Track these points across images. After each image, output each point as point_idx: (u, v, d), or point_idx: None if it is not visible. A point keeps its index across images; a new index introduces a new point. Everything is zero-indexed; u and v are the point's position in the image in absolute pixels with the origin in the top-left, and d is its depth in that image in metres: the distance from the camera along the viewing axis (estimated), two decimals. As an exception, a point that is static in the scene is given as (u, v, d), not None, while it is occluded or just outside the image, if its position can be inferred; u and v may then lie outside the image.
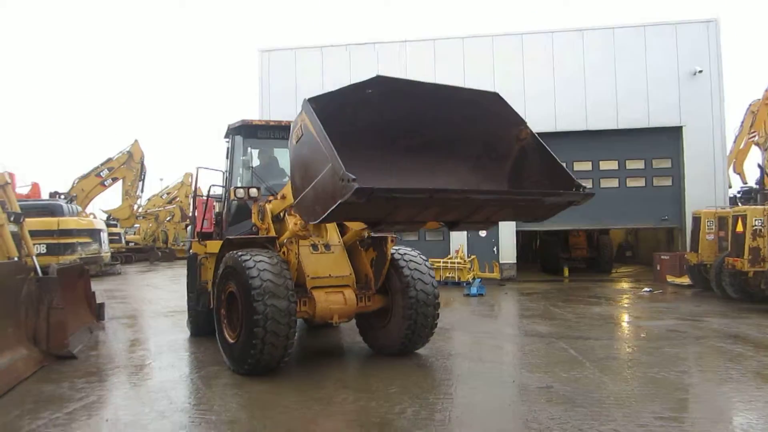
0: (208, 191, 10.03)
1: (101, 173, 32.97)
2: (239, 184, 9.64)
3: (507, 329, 11.34)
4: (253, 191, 8.60)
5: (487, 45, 21.75)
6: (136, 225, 41.87)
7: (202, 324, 10.30)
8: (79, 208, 27.19)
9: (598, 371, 7.65)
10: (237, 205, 9.48)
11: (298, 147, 5.97)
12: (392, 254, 8.54)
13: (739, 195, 23.65)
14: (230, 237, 8.48)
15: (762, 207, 13.70)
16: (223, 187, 9.84)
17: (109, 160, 33.43)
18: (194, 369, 8.09)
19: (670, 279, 18.90)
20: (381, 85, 5.89)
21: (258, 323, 7.11)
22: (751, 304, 13.94)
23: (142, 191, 36.29)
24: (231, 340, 7.82)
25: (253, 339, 7.16)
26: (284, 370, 7.69)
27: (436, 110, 6.36)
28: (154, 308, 14.98)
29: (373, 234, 8.65)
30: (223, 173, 10.37)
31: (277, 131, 9.75)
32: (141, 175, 34.75)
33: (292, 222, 8.13)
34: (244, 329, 7.38)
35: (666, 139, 21.16)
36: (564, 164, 6.23)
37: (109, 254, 26.56)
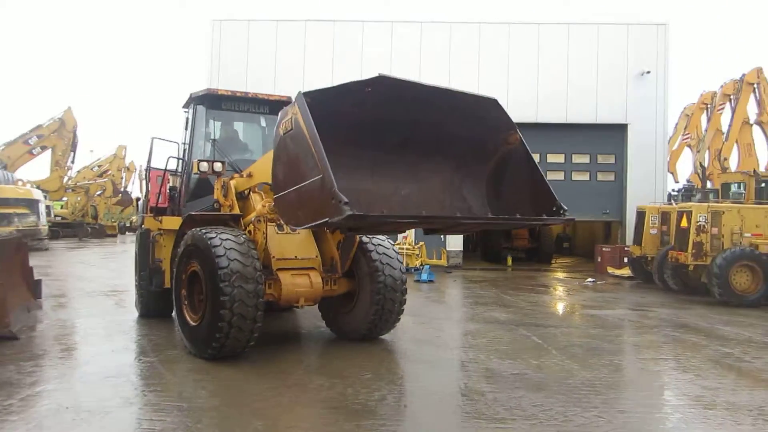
0: (166, 164, 9.47)
1: (29, 140, 31.04)
2: (200, 158, 9.14)
3: (465, 316, 11.34)
4: (218, 165, 8.17)
5: (445, 32, 21.67)
6: (63, 198, 39.77)
7: (154, 304, 9.79)
8: (15, 176, 25.49)
9: (566, 358, 7.71)
10: (197, 179, 9.00)
11: (285, 139, 5.69)
12: (360, 238, 8.31)
13: (674, 192, 24.66)
14: (193, 213, 8.02)
15: (706, 204, 14.27)
16: (182, 159, 9.31)
17: (39, 126, 31.51)
18: (151, 352, 7.61)
19: (610, 270, 19.52)
20: (382, 85, 5.66)
21: (224, 305, 6.74)
22: (690, 296, 14.55)
23: (73, 162, 34.47)
24: (192, 323, 7.40)
25: (219, 322, 6.79)
26: (248, 355, 7.35)
27: (431, 111, 6.27)
28: (93, 287, 14.18)
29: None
30: (181, 145, 9.83)
31: (243, 103, 9.31)
32: (73, 145, 32.95)
33: (260, 202, 7.80)
34: (208, 311, 6.99)
35: (611, 136, 21.78)
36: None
37: (47, 227, 25.00)
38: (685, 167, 33.71)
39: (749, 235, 13.47)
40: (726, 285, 12.86)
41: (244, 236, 7.32)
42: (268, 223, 7.85)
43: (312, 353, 7.99)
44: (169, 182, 10.11)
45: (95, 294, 13.05)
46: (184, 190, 9.14)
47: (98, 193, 43.96)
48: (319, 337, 8.84)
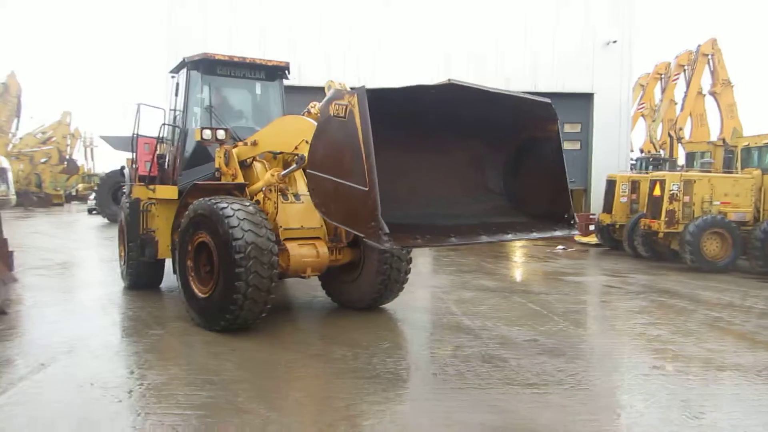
0: (159, 131, 9.11)
1: (-29, 106, 29.29)
2: (194, 125, 8.83)
3: (455, 284, 11.43)
4: (221, 133, 7.90)
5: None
6: (7, 166, 37.84)
7: (144, 276, 9.52)
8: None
9: (570, 325, 7.92)
10: (194, 147, 8.69)
11: (333, 121, 5.46)
12: None
13: (633, 161, 25.37)
14: (198, 182, 7.77)
15: (679, 173, 14.75)
16: (177, 127, 8.95)
17: (-20, 92, 29.74)
18: (156, 325, 7.39)
19: (578, 238, 20.01)
20: (450, 92, 5.49)
21: (240, 277, 6.59)
22: (660, 262, 15.10)
23: (17, 129, 32.76)
24: (201, 295, 7.22)
25: (234, 294, 6.64)
26: (258, 326, 7.25)
27: (484, 114, 6.03)
28: (63, 258, 13.65)
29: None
30: (170, 112, 9.46)
31: (239, 69, 8.99)
32: (17, 111, 31.27)
33: (268, 172, 7.60)
34: (221, 283, 6.82)
35: (578, 105, 22.09)
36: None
37: (15, 197, 23.73)
38: (639, 137, 34.59)
39: (718, 203, 14.01)
40: (698, 251, 13.40)
41: (254, 206, 7.14)
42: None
43: (322, 323, 7.93)
44: (156, 150, 9.78)
45: (70, 266, 12.59)
46: (179, 159, 8.81)
47: (43, 161, 42.05)
48: (321, 307, 8.78)
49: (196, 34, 19.76)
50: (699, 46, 27.67)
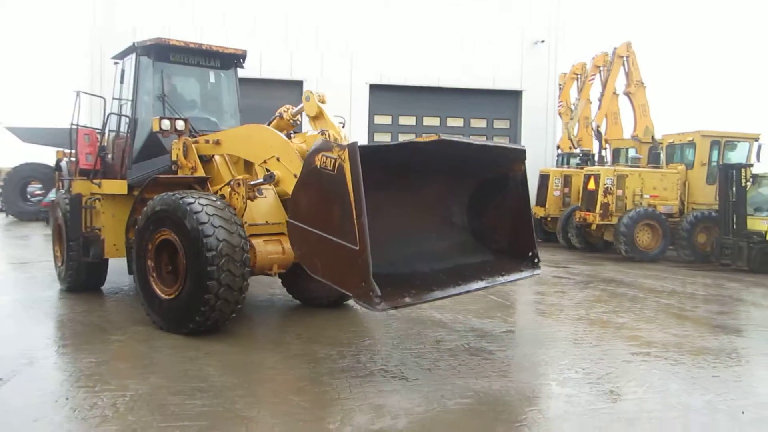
0: (106, 121, 8.45)
1: None
2: (144, 115, 8.23)
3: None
4: (180, 124, 7.43)
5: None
6: None
7: (85, 277, 8.83)
8: None
9: (537, 315, 8.07)
10: (145, 139, 8.11)
11: (319, 173, 5.29)
12: None
13: (557, 156, 26.30)
14: (158, 176, 7.25)
15: (613, 168, 15.41)
16: (125, 117, 8.31)
17: None
18: (115, 330, 6.83)
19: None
20: (439, 145, 5.44)
21: (212, 276, 6.20)
22: (593, 253, 15.77)
23: None
24: (165, 296, 6.73)
25: (205, 294, 6.24)
26: (227, 327, 6.88)
27: (472, 165, 6.28)
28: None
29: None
30: (114, 101, 8.80)
31: (194, 56, 8.46)
32: None
33: (225, 166, 7.24)
34: (190, 284, 6.39)
35: (507, 102, 22.66)
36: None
37: None
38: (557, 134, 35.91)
39: (648, 196, 14.77)
40: (632, 242, 14.07)
41: (221, 201, 6.75)
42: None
43: (292, 321, 7.60)
44: (98, 142, 9.11)
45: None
46: (128, 151, 8.19)
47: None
48: (283, 305, 8.47)
49: (123, 23, 18.68)
50: (615, 48, 28.99)
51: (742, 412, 4.72)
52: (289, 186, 6.40)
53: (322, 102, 7.04)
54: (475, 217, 6.83)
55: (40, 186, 26.82)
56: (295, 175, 6.15)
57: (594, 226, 15.24)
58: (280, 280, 8.46)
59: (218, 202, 6.64)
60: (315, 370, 5.53)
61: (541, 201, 17.95)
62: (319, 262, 5.35)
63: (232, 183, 6.98)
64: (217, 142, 7.40)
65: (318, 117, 7.06)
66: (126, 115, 8.27)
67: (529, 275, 6.50)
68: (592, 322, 7.76)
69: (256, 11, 20.27)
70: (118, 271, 10.42)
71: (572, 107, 33.12)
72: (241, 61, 8.92)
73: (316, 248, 5.34)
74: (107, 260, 8.77)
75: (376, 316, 7.83)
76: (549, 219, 17.86)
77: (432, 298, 5.57)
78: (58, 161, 10.31)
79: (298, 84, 20.96)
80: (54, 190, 22.54)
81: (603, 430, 4.33)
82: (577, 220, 15.43)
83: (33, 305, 8.23)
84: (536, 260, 6.53)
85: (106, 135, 9.07)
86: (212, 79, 8.95)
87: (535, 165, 21.52)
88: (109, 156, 8.81)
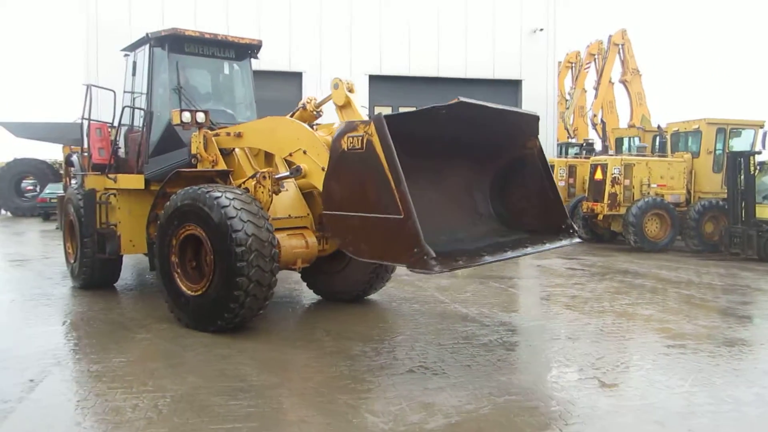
0: (121, 114, 8.25)
1: None
2: (159, 108, 8.04)
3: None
4: (200, 116, 7.24)
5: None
6: None
7: (100, 274, 8.67)
8: None
9: (562, 307, 7.98)
10: (162, 132, 7.92)
11: (348, 156, 5.30)
12: None
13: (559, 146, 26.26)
14: (181, 170, 7.08)
15: (620, 157, 15.35)
16: (140, 109, 8.11)
17: None
18: (139, 329, 6.68)
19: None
20: (459, 109, 5.36)
21: (242, 272, 6.06)
22: (601, 243, 15.74)
23: None
24: (191, 293, 6.58)
25: (235, 291, 6.10)
26: (254, 324, 6.77)
27: (486, 131, 6.12)
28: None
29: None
30: (127, 94, 8.60)
31: (209, 46, 8.27)
32: None
33: (246, 159, 7.08)
34: (218, 280, 6.25)
35: (507, 92, 22.59)
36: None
37: None
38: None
39: (655, 186, 14.73)
40: (641, 232, 14.03)
41: (248, 194, 6.60)
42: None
43: (318, 317, 7.46)
44: (110, 135, 8.92)
45: (4, 264, 11.30)
46: (145, 145, 8.00)
47: None
48: (305, 300, 8.35)
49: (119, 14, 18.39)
50: (610, 36, 29.04)
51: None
52: (316, 179, 6.28)
53: (351, 91, 6.91)
54: (500, 205, 6.74)
55: (33, 181, 26.46)
56: (323, 168, 6.04)
57: (601, 217, 15.20)
58: (299, 275, 8.33)
59: (245, 196, 6.49)
60: (354, 368, 5.42)
61: (546, 191, 17.86)
62: (365, 244, 5.24)
63: (257, 176, 6.81)
64: (239, 135, 7.24)
65: (345, 106, 6.93)
66: (141, 108, 8.07)
67: (570, 243, 6.35)
68: (618, 314, 7.69)
69: (258, 1, 20.05)
70: (129, 268, 10.28)
71: (567, 97, 33.12)
72: (256, 51, 8.73)
73: (359, 232, 5.24)
74: (122, 256, 8.60)
75: (401, 311, 7.74)
76: (553, 209, 17.77)
77: (485, 262, 5.48)
78: (68, 156, 10.07)
79: (297, 75, 20.78)
80: (54, 186, 22.23)
81: (662, 425, 4.26)
82: (585, 210, 15.37)
83: (48, 302, 8.06)
84: (572, 230, 6.36)
85: (118, 129, 8.88)
86: (226, 71, 8.77)
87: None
88: (122, 150, 8.62)
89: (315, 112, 7.48)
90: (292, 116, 7.42)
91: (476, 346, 6.15)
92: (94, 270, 8.56)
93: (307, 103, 7.46)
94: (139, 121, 8.24)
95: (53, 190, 21.76)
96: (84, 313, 7.43)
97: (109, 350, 5.88)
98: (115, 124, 9.03)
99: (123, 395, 4.65)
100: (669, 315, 7.69)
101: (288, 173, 6.75)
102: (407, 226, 4.78)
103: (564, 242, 6.34)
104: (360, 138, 5.14)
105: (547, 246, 6.20)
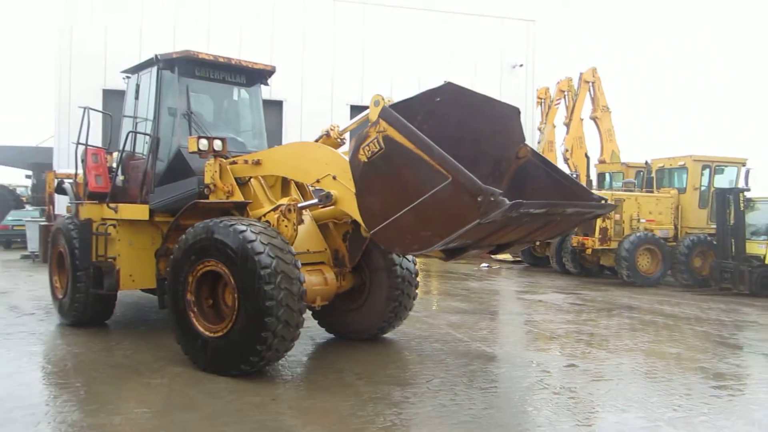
0: (125, 141, 7.73)
1: None
2: (166, 134, 7.57)
3: (427, 307, 10.90)
4: (218, 143, 6.80)
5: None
6: None
7: (92, 310, 8.03)
8: None
9: (586, 346, 7.74)
10: (170, 160, 7.44)
11: (371, 165, 5.05)
12: None
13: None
14: (199, 201, 6.60)
15: (610, 192, 15.43)
16: (147, 135, 7.61)
17: None
18: (150, 373, 6.10)
19: (493, 255, 20.35)
20: (448, 93, 5.44)
21: (270, 312, 5.61)
22: (589, 278, 15.71)
23: None
24: (210, 334, 6.06)
25: (263, 331, 5.63)
26: (273, 366, 6.30)
27: (474, 122, 5.97)
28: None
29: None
30: (128, 119, 8.10)
31: (220, 71, 7.86)
32: None
33: (285, 201, 6.63)
34: (243, 320, 5.76)
35: (487, 125, 22.69)
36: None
37: None
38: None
39: (644, 221, 14.83)
40: (633, 267, 14.03)
41: (272, 228, 6.18)
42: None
43: (341, 358, 6.93)
44: (107, 162, 8.37)
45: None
46: (151, 173, 7.49)
47: None
48: (317, 338, 7.85)
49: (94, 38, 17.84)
50: (581, 73, 29.58)
51: None
52: (348, 205, 5.98)
53: None
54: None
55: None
56: (355, 193, 5.72)
57: (589, 251, 15.19)
58: (310, 313, 7.86)
59: (270, 230, 6.08)
60: (403, 417, 5.02)
61: (531, 225, 17.81)
62: (426, 231, 4.83)
63: (282, 208, 6.38)
64: (258, 163, 6.83)
65: None
66: (147, 134, 7.58)
67: (612, 207, 6.28)
68: (646, 353, 7.48)
69: (242, 27, 19.79)
70: (119, 303, 9.59)
71: (538, 131, 33.61)
72: (268, 77, 8.38)
73: (415, 225, 4.86)
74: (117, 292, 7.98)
75: (423, 351, 7.36)
76: (537, 244, 17.72)
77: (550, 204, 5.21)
78: (60, 183, 9.41)
79: (278, 104, 20.47)
80: (17, 213, 21.13)
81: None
82: (574, 244, 15.33)
83: (37, 342, 7.38)
84: (603, 200, 6.08)
85: (115, 155, 8.36)
86: (235, 96, 8.38)
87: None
88: (120, 178, 8.06)
89: (339, 140, 7.15)
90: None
91: (520, 390, 5.84)
92: (86, 306, 7.92)
93: (331, 130, 7.11)
94: (142, 147, 7.74)
95: (16, 216, 20.65)
96: (82, 355, 6.79)
97: (126, 399, 5.33)
98: (111, 149, 8.53)
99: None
100: (697, 353, 7.53)
101: (315, 200, 6.37)
102: (460, 182, 4.48)
103: (607, 209, 6.16)
104: (375, 141, 4.93)
105: (597, 210, 5.94)
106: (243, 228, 5.87)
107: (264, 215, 6.57)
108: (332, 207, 6.75)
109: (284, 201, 6.50)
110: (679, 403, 5.52)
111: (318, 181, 6.33)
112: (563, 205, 5.33)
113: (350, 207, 5.89)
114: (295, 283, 5.83)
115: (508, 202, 4.37)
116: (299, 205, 6.49)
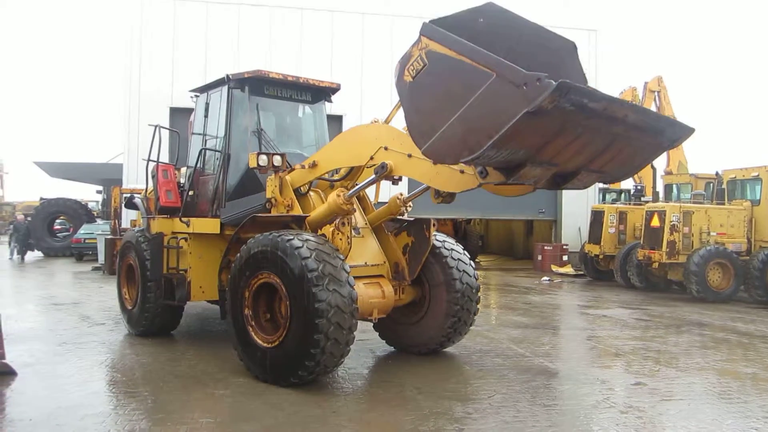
0: (198, 157, 8.02)
1: None
2: (237, 150, 7.79)
3: (485, 319, 10.76)
4: (277, 159, 6.95)
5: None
6: None
7: (160, 321, 8.31)
8: None
9: (654, 363, 7.46)
10: (240, 176, 7.66)
11: (416, 84, 4.88)
12: (432, 243, 7.47)
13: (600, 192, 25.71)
14: (257, 215, 6.78)
15: (678, 204, 14.90)
16: (217, 152, 7.86)
17: None
18: (215, 383, 6.26)
19: (554, 269, 19.94)
20: (491, 14, 5.24)
21: (320, 314, 5.66)
22: (656, 292, 15.15)
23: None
24: (266, 345, 6.17)
25: (315, 334, 5.68)
26: (330, 377, 6.35)
27: (526, 53, 5.49)
28: (17, 299, 11.94)
29: (407, 218, 7.57)
30: (198, 136, 8.37)
31: (288, 89, 8.05)
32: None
33: (333, 192, 6.68)
34: (295, 326, 5.85)
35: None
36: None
37: None
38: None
39: (715, 234, 14.22)
40: (703, 282, 13.45)
41: (329, 244, 6.25)
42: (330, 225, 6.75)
43: (400, 372, 6.90)
44: (176, 177, 8.69)
45: (39, 308, 10.96)
46: (222, 189, 7.72)
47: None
48: (378, 351, 7.85)
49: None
50: (646, 82, 28.81)
51: None
52: (404, 168, 6.08)
53: None
54: None
55: (63, 221, 26.42)
56: (408, 155, 5.91)
57: (656, 265, 14.65)
58: (371, 324, 7.89)
59: (327, 246, 6.16)
60: (464, 433, 4.95)
61: (596, 238, 17.36)
62: (474, 136, 4.52)
63: (337, 222, 6.46)
64: (314, 165, 6.94)
65: None
66: (217, 150, 7.83)
67: (690, 130, 5.33)
68: (719, 372, 7.15)
69: (301, 45, 20.26)
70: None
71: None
72: (332, 94, 8.54)
73: (462, 131, 4.62)
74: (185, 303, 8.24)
75: (485, 366, 7.26)
76: (602, 257, 17.25)
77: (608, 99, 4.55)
78: (130, 198, 9.82)
79: (338, 118, 20.74)
80: (89, 227, 22.13)
81: None
82: (640, 257, 14.83)
83: (108, 351, 7.69)
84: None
85: (184, 171, 8.67)
86: (300, 113, 8.56)
87: (576, 201, 21.15)
88: (190, 193, 8.33)
89: (405, 207, 7.29)
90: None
91: (585, 408, 5.67)
92: (155, 317, 8.21)
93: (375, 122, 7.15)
94: (212, 164, 8.00)
95: (89, 230, 21.62)
96: (149, 365, 7.02)
97: (191, 409, 5.48)
98: (179, 165, 8.85)
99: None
100: (778, 376, 7.14)
101: (372, 177, 6.39)
102: (503, 75, 4.25)
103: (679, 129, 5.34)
104: (419, 58, 4.82)
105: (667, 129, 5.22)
106: (299, 244, 5.97)
107: (319, 227, 6.68)
108: (387, 205, 7.21)
109: (334, 193, 6.52)
110: (757, 426, 5.25)
111: (371, 158, 6.36)
112: (625, 106, 4.73)
113: (406, 169, 6.05)
114: (346, 302, 5.86)
115: (554, 83, 4.02)
116: (348, 193, 6.48)
